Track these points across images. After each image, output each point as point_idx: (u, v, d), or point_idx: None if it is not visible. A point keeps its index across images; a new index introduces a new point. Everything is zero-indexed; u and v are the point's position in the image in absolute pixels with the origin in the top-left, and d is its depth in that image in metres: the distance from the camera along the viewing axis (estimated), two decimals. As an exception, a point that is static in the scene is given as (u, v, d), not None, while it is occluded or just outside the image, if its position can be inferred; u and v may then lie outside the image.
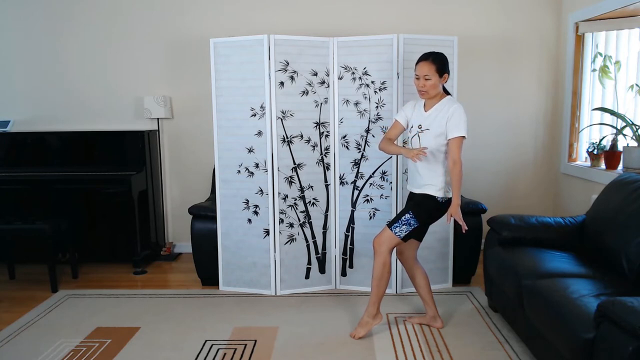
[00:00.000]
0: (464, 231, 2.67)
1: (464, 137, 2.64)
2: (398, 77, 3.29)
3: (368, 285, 3.33)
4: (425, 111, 2.75)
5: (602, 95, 3.79)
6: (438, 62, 2.67)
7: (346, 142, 3.44)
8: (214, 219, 3.54)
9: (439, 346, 2.72)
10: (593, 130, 3.88)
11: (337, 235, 3.52)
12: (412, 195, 2.86)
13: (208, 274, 3.64)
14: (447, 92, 2.78)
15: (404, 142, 3.28)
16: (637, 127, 3.32)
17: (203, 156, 4.37)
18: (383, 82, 3.33)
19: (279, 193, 3.39)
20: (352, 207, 3.48)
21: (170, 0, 4.26)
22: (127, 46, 4.33)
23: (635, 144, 3.35)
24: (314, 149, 3.44)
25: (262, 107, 3.34)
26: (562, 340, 2.09)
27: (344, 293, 3.49)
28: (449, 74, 2.73)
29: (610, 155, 3.52)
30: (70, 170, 4.14)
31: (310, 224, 3.49)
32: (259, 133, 3.38)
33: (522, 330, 2.62)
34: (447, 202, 2.76)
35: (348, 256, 3.53)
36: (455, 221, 2.72)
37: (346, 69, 3.37)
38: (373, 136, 3.38)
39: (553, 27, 4.20)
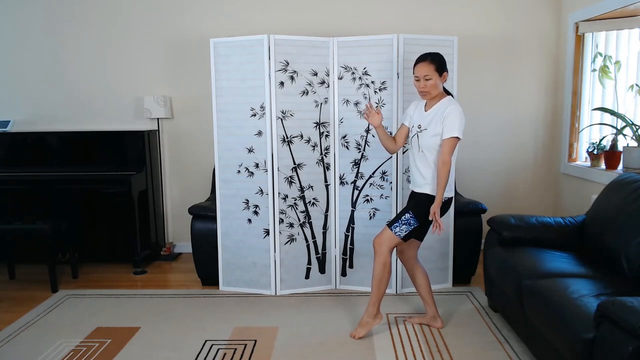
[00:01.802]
0: (439, 232, 2.61)
1: (457, 138, 2.62)
2: (398, 77, 3.29)
3: (368, 285, 3.33)
4: (426, 111, 2.76)
5: (602, 95, 3.79)
6: (436, 61, 2.67)
7: (346, 142, 3.44)
8: (214, 219, 3.54)
9: (439, 346, 2.72)
10: (593, 130, 3.88)
11: (337, 235, 3.52)
12: (412, 194, 2.86)
13: (208, 274, 3.64)
14: (447, 93, 2.78)
15: (405, 143, 3.28)
16: (637, 127, 3.32)
17: (203, 156, 4.37)
18: (383, 82, 3.33)
19: (279, 193, 3.39)
20: (352, 207, 3.48)
21: (170, 0, 4.26)
22: (127, 46, 4.33)
23: (635, 144, 3.35)
24: (314, 149, 3.44)
25: (262, 107, 3.34)
26: (562, 340, 2.09)
27: (344, 293, 3.49)
28: (447, 72, 2.73)
29: (610, 155, 3.52)
30: (70, 170, 4.14)
31: (310, 224, 3.48)
32: (259, 133, 3.38)
33: (522, 330, 2.62)
34: (447, 201, 2.76)
35: (348, 256, 3.53)
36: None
37: (346, 69, 3.37)
38: (373, 136, 3.38)
39: (553, 27, 4.20)
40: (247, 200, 3.46)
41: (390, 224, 2.74)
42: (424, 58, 2.69)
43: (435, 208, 2.64)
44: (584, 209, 3.57)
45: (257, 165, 3.42)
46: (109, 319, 3.12)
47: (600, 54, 3.73)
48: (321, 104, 3.41)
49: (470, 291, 3.49)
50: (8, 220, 3.69)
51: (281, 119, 3.35)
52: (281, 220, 3.42)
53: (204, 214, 3.58)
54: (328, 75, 3.39)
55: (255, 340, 2.80)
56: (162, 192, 4.48)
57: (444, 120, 2.63)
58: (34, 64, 4.38)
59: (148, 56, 4.33)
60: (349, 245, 3.52)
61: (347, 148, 3.44)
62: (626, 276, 2.46)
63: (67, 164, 4.20)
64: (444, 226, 2.65)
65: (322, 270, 3.55)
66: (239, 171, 3.46)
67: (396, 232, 2.71)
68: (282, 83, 3.32)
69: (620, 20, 3.56)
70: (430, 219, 2.66)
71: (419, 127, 2.74)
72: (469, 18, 4.19)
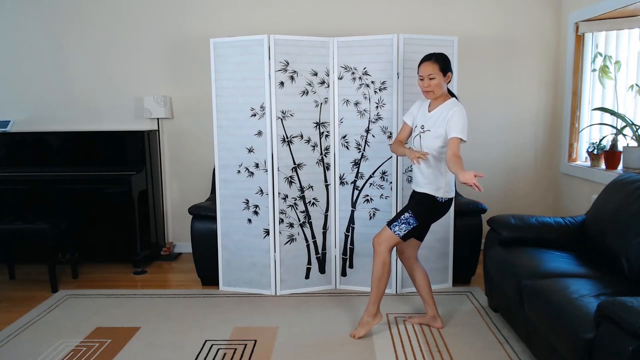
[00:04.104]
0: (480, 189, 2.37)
1: (462, 139, 2.59)
2: (398, 77, 3.29)
3: (368, 285, 3.33)
4: (429, 112, 2.76)
5: (602, 95, 3.79)
6: (441, 61, 2.68)
7: (346, 142, 3.44)
8: (214, 219, 3.54)
9: (439, 346, 2.72)
10: (593, 130, 3.88)
11: (337, 235, 3.52)
12: (413, 194, 2.86)
13: (208, 274, 3.63)
14: (452, 94, 2.77)
15: (406, 142, 3.28)
16: (637, 127, 3.32)
17: (203, 156, 4.37)
18: (383, 82, 3.33)
19: (279, 193, 3.39)
20: (352, 207, 3.47)
21: (170, 0, 4.26)
22: (127, 46, 4.33)
23: (635, 144, 3.35)
24: (314, 149, 3.44)
25: (262, 107, 3.34)
26: (562, 340, 2.09)
27: (344, 293, 3.49)
28: (452, 72, 2.73)
29: (610, 155, 3.52)
30: (70, 170, 4.14)
31: (310, 224, 3.48)
32: (259, 133, 3.38)
33: (522, 330, 2.62)
34: (447, 202, 2.76)
35: (348, 256, 3.53)
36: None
37: (346, 69, 3.37)
38: (373, 136, 3.38)
39: (553, 27, 4.20)
40: (247, 200, 3.46)
41: (389, 223, 2.74)
42: (428, 58, 2.70)
43: (468, 177, 2.36)
44: (584, 209, 3.57)
45: (257, 165, 3.41)
46: (109, 319, 3.12)
47: (600, 54, 3.73)
48: (321, 104, 3.41)
49: (470, 291, 3.49)
50: (8, 220, 3.69)
51: (281, 119, 3.34)
52: (281, 220, 3.42)
53: (204, 214, 3.58)
54: (328, 75, 3.39)
55: (255, 340, 2.80)
56: (162, 192, 4.48)
57: (448, 122, 2.62)
58: (34, 64, 4.37)
59: (148, 56, 4.33)
60: (349, 245, 3.52)
61: (347, 148, 3.44)
62: (626, 276, 2.46)
63: (67, 164, 4.20)
64: (475, 175, 2.38)
65: (322, 270, 3.55)
66: (239, 171, 3.46)
67: (395, 231, 2.71)
68: (282, 83, 3.32)
69: (620, 20, 3.56)
70: (468, 181, 2.37)
71: (422, 127, 2.74)
72: (469, 18, 4.19)
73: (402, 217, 2.73)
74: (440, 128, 2.66)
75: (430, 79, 2.66)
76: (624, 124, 3.39)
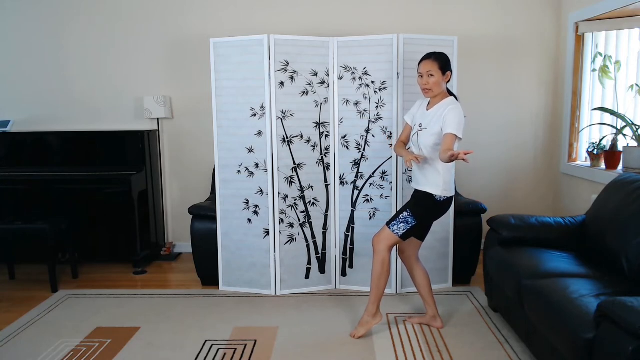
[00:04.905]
0: (467, 161, 2.33)
1: (457, 136, 2.56)
2: (398, 77, 3.29)
3: (368, 285, 3.33)
4: (427, 110, 2.76)
5: (602, 95, 3.79)
6: (441, 59, 2.69)
7: (346, 142, 3.44)
8: (214, 219, 3.54)
9: (439, 346, 2.72)
10: (593, 130, 3.88)
11: (337, 235, 3.52)
12: (414, 193, 2.86)
13: (208, 274, 3.64)
14: (451, 94, 2.77)
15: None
16: (637, 127, 3.32)
17: (203, 156, 4.37)
18: (383, 82, 3.33)
19: (279, 193, 3.39)
20: (352, 207, 3.47)
21: (170, 0, 4.26)
22: (127, 46, 4.33)
23: (635, 144, 3.35)
24: (314, 149, 3.44)
25: (262, 107, 3.34)
26: (562, 340, 2.09)
27: (344, 293, 3.49)
28: (451, 72, 2.73)
29: (610, 155, 3.52)
30: (70, 170, 4.14)
31: (310, 224, 3.48)
32: (259, 133, 3.38)
33: (522, 330, 2.62)
34: (446, 201, 2.76)
35: (348, 256, 3.53)
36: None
37: (346, 69, 3.37)
38: (373, 136, 3.38)
39: (553, 27, 4.20)
40: (247, 200, 3.46)
41: (389, 223, 2.75)
42: (428, 56, 2.72)
43: (457, 153, 2.33)
44: (584, 209, 3.57)
45: (257, 165, 3.42)
46: (109, 319, 3.12)
47: (600, 54, 3.73)
48: (321, 104, 3.41)
49: (470, 291, 3.49)
50: (8, 220, 3.69)
51: (281, 119, 3.34)
52: (281, 220, 3.42)
53: (204, 214, 3.58)
54: (328, 75, 3.39)
55: (255, 340, 2.80)
56: (162, 192, 4.48)
57: (444, 119, 2.62)
58: (34, 64, 4.37)
59: (148, 56, 4.33)
60: (349, 245, 3.52)
61: (347, 148, 3.44)
62: (626, 276, 2.46)
63: (67, 164, 4.20)
64: (465, 154, 2.32)
65: (322, 270, 3.55)
66: (239, 171, 3.46)
67: (394, 231, 2.71)
68: (282, 83, 3.32)
69: (620, 20, 3.56)
70: (456, 155, 2.34)
71: (420, 125, 2.75)
72: (469, 18, 4.19)
73: (401, 216, 2.73)
74: (436, 125, 2.66)
75: (430, 76, 2.67)
76: (624, 124, 3.39)
